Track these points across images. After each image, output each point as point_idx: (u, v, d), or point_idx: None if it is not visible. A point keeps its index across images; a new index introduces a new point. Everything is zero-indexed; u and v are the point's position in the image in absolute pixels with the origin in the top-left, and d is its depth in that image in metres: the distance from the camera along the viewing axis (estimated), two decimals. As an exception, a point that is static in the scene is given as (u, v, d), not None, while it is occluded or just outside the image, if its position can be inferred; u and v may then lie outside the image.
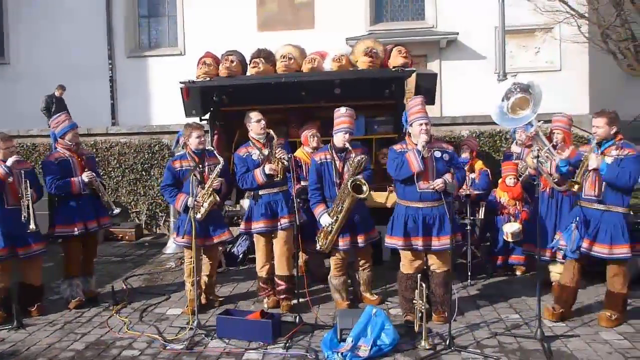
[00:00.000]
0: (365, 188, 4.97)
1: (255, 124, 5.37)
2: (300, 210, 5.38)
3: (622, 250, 4.59)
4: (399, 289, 5.03)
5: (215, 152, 5.40)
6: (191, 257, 5.26)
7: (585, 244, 4.68)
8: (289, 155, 5.24)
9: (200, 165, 5.33)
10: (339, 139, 5.21)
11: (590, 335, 4.57)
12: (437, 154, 4.81)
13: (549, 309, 4.87)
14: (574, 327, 4.76)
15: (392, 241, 4.93)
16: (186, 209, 5.20)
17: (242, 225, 5.53)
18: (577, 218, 4.75)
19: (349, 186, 4.98)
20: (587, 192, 4.74)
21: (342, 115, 5.25)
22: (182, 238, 5.22)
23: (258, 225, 5.34)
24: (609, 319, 4.74)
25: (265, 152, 5.32)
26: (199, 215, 5.14)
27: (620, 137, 4.71)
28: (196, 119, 7.40)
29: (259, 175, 5.24)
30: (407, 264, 4.94)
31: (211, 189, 5.21)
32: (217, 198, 5.24)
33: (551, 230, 5.54)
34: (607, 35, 8.98)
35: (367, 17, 14.95)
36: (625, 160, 4.55)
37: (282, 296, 5.40)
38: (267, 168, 5.20)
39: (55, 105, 12.60)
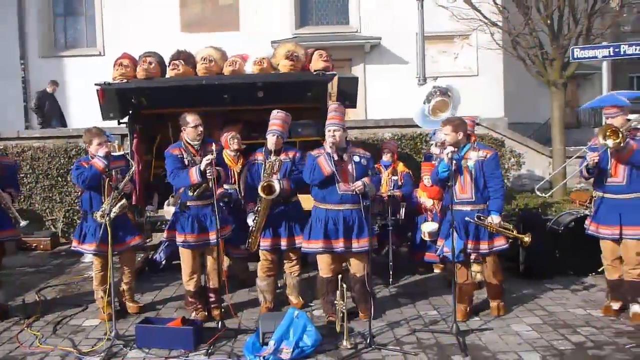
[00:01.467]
0: (276, 188, 4.99)
1: (191, 129, 5.08)
2: (229, 225, 5.37)
3: (502, 242, 4.97)
4: (320, 292, 5.11)
5: (126, 155, 5.24)
6: (100, 265, 5.11)
7: (470, 245, 4.91)
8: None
9: (107, 169, 5.13)
10: (268, 140, 5.29)
11: (502, 327, 4.81)
12: (356, 158, 4.96)
13: (461, 310, 5.03)
14: (487, 320, 5.00)
15: (310, 245, 4.98)
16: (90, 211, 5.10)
17: (165, 233, 5.37)
18: (455, 223, 4.84)
19: (259, 187, 5.03)
20: (460, 195, 4.93)
21: (273, 118, 5.33)
22: (90, 245, 5.10)
23: (183, 238, 5.11)
24: (502, 307, 5.12)
25: (198, 159, 5.06)
26: (101, 219, 4.94)
27: (474, 139, 5.10)
28: (114, 123, 7.19)
29: (194, 175, 4.91)
30: (325, 268, 5.02)
31: (120, 193, 5.04)
32: (125, 202, 5.08)
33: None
34: (517, 43, 9.47)
35: (293, 21, 15.02)
36: (489, 162, 4.91)
37: (213, 305, 5.26)
38: (203, 165, 4.84)
39: (48, 102, 11.84)
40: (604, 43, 8.37)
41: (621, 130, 4.64)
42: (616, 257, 5.00)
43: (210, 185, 4.92)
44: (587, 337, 4.53)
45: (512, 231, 5.02)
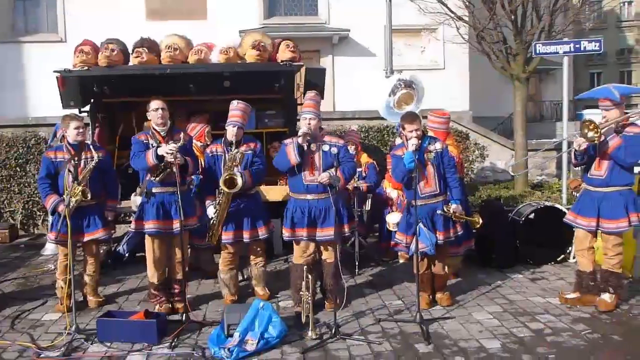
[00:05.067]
0: (238, 182, 4.94)
1: (152, 112, 4.94)
2: (195, 216, 5.29)
3: (460, 228, 5.14)
4: (291, 279, 5.10)
5: (92, 146, 5.14)
6: (63, 255, 5.03)
7: (441, 236, 4.96)
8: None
9: (76, 158, 5.03)
10: (228, 132, 5.19)
11: (464, 316, 4.90)
12: (326, 147, 4.93)
13: (424, 298, 5.10)
14: (450, 309, 5.08)
15: (284, 233, 5.05)
16: (53, 211, 4.98)
17: (133, 224, 5.26)
18: (422, 218, 4.89)
19: (221, 181, 4.97)
20: (425, 189, 4.95)
21: (233, 109, 5.22)
22: (52, 235, 5.00)
23: (149, 225, 5.01)
24: (450, 298, 5.21)
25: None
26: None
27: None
28: (75, 111, 7.00)
29: (150, 156, 4.78)
30: (297, 255, 5.06)
31: (80, 184, 4.90)
32: (88, 195, 4.94)
33: None
34: (482, 37, 9.62)
35: (261, 11, 14.92)
36: (446, 153, 5.02)
37: (177, 298, 5.18)
38: (162, 149, 4.74)
39: None
40: (565, 39, 8.55)
41: (600, 128, 4.63)
42: (585, 247, 5.03)
43: (174, 170, 4.74)
44: (546, 324, 4.65)
45: (464, 216, 5.15)
